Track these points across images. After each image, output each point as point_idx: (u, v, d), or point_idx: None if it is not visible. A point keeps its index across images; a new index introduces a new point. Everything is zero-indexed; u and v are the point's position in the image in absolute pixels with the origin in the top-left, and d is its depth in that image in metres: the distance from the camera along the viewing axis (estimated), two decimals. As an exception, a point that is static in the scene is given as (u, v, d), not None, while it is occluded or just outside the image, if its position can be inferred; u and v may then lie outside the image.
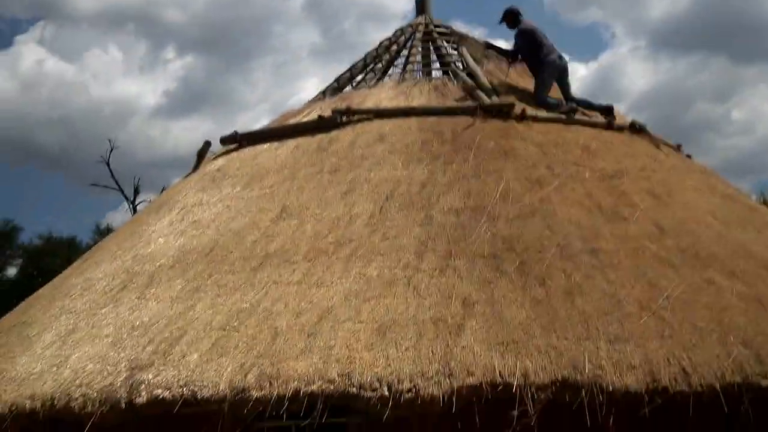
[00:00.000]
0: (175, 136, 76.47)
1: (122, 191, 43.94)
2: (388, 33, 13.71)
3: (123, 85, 77.03)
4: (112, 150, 44.39)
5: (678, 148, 12.26)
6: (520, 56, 12.13)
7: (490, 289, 7.66)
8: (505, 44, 12.86)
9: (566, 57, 12.06)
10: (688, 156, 12.53)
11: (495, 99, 10.91)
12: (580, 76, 78.91)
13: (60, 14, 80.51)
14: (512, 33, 12.06)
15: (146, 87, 79.33)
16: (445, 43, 13.03)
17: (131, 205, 42.27)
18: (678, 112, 73.64)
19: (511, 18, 12.04)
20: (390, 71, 12.84)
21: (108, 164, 43.04)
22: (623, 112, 13.13)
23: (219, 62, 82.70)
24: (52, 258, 40.20)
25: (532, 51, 11.79)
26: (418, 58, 12.77)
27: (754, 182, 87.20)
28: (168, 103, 78.40)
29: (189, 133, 77.68)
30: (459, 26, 14.78)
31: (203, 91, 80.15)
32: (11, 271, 41.32)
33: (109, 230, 32.77)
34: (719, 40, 74.27)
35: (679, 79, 77.88)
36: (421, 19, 13.70)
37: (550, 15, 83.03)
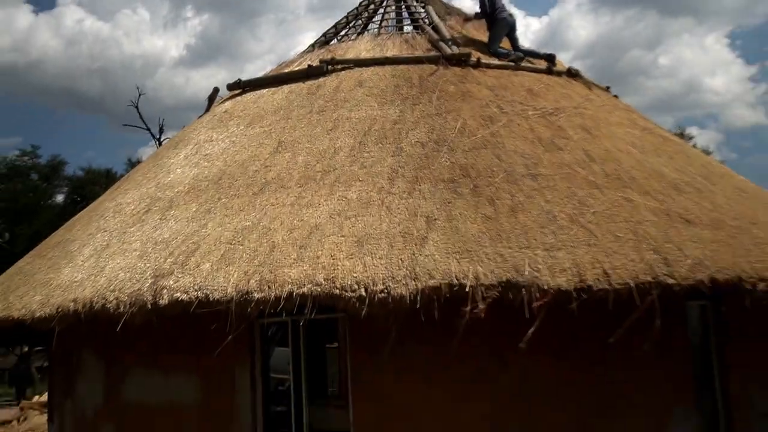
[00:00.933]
0: (195, 83, 75.76)
1: (149, 130, 43.57)
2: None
3: (150, 40, 76.09)
4: (140, 96, 44.17)
5: (607, 89, 12.26)
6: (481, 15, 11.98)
7: (448, 208, 7.74)
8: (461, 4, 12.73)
9: (520, 13, 12.03)
10: (615, 96, 12.49)
11: (455, 49, 10.85)
12: (534, 29, 78.31)
13: (93, -22, 78.85)
14: None
15: (170, 42, 78.41)
16: (415, 2, 12.86)
17: (157, 142, 41.89)
18: (615, 58, 73.33)
19: None
20: (368, 27, 12.73)
21: (137, 108, 42.67)
22: (569, 60, 13.13)
23: (230, 19, 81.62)
24: (92, 187, 40.02)
25: (488, 10, 11.76)
26: (392, 15, 12.67)
27: (679, 119, 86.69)
28: (188, 55, 77.56)
29: (207, 80, 77.17)
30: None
31: (218, 45, 79.29)
32: (59, 198, 41.16)
33: (139, 163, 32.73)
34: (650, -3, 73.44)
35: (615, 31, 77.46)
36: (395, -19, 13.50)
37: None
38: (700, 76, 74.42)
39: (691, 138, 32.56)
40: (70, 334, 8.46)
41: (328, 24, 13.52)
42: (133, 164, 39.61)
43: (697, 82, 73.62)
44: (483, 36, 11.71)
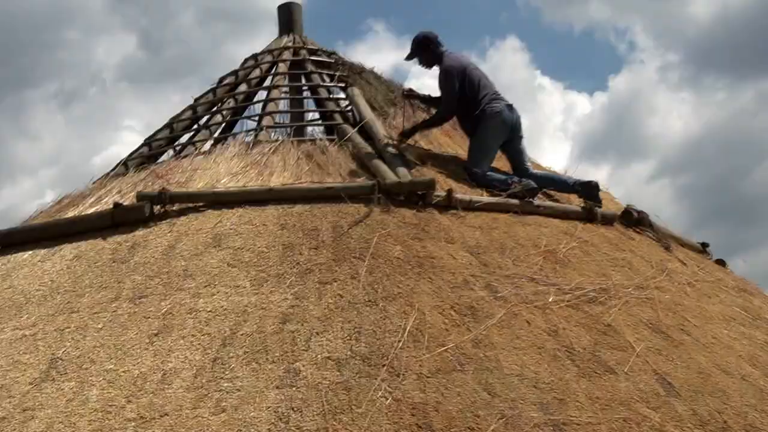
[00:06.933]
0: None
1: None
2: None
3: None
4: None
5: (704, 248, 3.79)
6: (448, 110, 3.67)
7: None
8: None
9: (518, 107, 3.63)
10: (721, 262, 3.67)
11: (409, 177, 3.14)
12: (582, 113, 23.86)
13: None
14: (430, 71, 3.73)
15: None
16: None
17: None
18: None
19: (426, 51, 3.60)
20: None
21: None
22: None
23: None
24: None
25: (464, 98, 3.47)
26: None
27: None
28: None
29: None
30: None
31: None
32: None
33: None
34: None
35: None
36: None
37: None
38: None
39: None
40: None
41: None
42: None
43: None
44: (459, 143, 3.99)
